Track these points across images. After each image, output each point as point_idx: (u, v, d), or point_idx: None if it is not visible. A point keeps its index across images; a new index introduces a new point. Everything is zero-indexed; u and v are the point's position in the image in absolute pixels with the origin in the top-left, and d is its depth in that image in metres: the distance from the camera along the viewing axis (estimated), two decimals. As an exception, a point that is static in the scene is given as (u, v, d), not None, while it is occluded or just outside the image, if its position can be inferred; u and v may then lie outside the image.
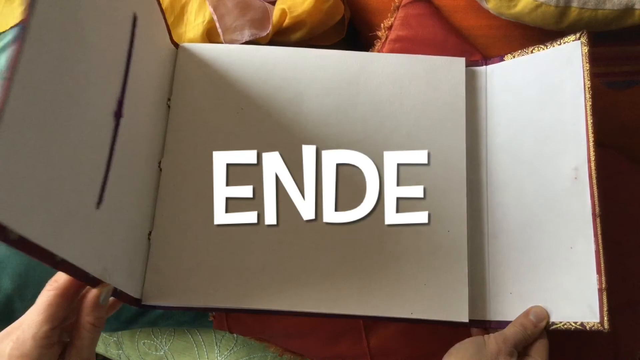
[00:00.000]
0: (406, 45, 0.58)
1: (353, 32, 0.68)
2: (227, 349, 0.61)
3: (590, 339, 0.55)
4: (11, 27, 0.58)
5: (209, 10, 0.57)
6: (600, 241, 0.45)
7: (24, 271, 0.51)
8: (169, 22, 0.59)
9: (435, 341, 0.53)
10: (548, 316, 0.46)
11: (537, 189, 0.49)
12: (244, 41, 0.57)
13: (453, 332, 0.52)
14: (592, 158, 0.46)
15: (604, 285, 0.44)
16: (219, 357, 0.61)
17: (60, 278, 0.36)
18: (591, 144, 0.46)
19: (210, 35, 0.58)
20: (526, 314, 0.46)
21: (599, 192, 0.45)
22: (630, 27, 0.52)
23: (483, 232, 0.50)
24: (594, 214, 0.45)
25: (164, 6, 0.58)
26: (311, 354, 0.55)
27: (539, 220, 0.48)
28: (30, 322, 0.34)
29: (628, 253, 0.56)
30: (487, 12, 0.56)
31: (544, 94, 0.50)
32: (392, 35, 0.60)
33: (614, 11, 0.50)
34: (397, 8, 0.60)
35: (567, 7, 0.50)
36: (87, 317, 0.37)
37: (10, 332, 0.36)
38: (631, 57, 0.58)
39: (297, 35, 0.60)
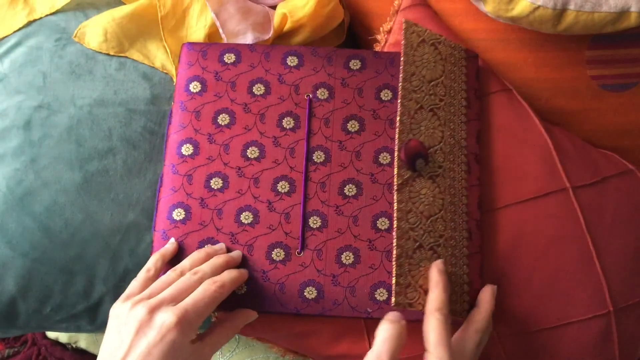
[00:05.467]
0: (405, 49, 0.59)
1: (352, 36, 0.69)
2: (230, 351, 0.61)
3: (588, 342, 0.55)
4: (14, 32, 0.58)
5: (210, 14, 0.57)
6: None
7: (28, 273, 0.51)
8: (170, 25, 0.59)
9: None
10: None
11: None
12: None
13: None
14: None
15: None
16: (221, 359, 0.61)
17: (226, 285, 0.43)
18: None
19: (212, 39, 0.59)
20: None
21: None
22: (627, 29, 0.53)
23: None
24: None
25: (165, 10, 0.59)
26: (314, 354, 0.55)
27: None
28: (201, 311, 0.41)
29: (631, 253, 0.56)
30: (485, 15, 0.57)
31: None
32: (392, 39, 0.60)
33: (610, 14, 0.51)
34: (396, 12, 0.61)
35: (564, 10, 0.51)
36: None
37: (160, 303, 0.41)
38: (628, 60, 0.59)
39: (297, 39, 0.60)
